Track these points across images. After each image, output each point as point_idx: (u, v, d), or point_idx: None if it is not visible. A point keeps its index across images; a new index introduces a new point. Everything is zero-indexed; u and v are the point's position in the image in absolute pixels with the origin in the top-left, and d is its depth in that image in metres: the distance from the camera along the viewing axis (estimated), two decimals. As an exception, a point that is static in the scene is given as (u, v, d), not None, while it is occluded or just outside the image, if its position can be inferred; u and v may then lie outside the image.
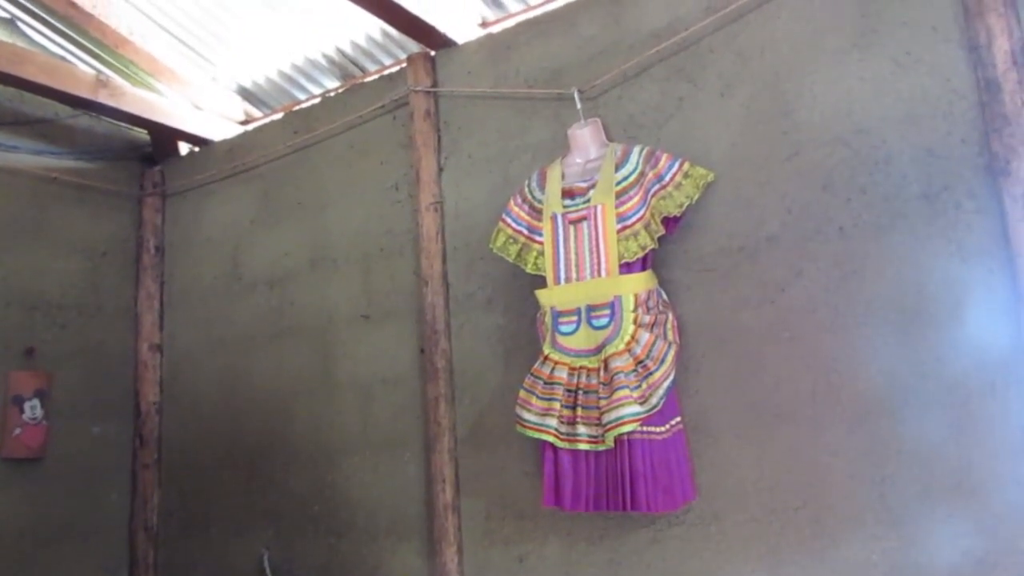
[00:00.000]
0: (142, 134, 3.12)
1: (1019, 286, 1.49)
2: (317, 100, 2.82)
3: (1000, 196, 1.53)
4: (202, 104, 3.00)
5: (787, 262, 1.76)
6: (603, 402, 1.74)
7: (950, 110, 1.62)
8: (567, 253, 1.89)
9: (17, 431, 2.61)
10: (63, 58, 2.88)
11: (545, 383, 1.86)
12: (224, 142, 3.03)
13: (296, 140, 2.72)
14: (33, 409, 2.65)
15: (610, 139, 2.00)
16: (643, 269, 1.83)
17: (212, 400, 2.81)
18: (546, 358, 1.87)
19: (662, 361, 1.76)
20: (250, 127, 3.03)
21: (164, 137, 3.08)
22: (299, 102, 2.95)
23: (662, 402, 1.74)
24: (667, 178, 1.82)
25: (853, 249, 1.68)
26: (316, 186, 2.67)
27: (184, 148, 3.19)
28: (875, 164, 1.69)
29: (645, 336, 1.76)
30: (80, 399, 2.80)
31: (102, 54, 2.85)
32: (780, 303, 1.75)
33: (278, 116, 2.93)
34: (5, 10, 2.80)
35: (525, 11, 2.35)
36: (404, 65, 2.47)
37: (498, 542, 2.09)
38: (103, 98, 2.74)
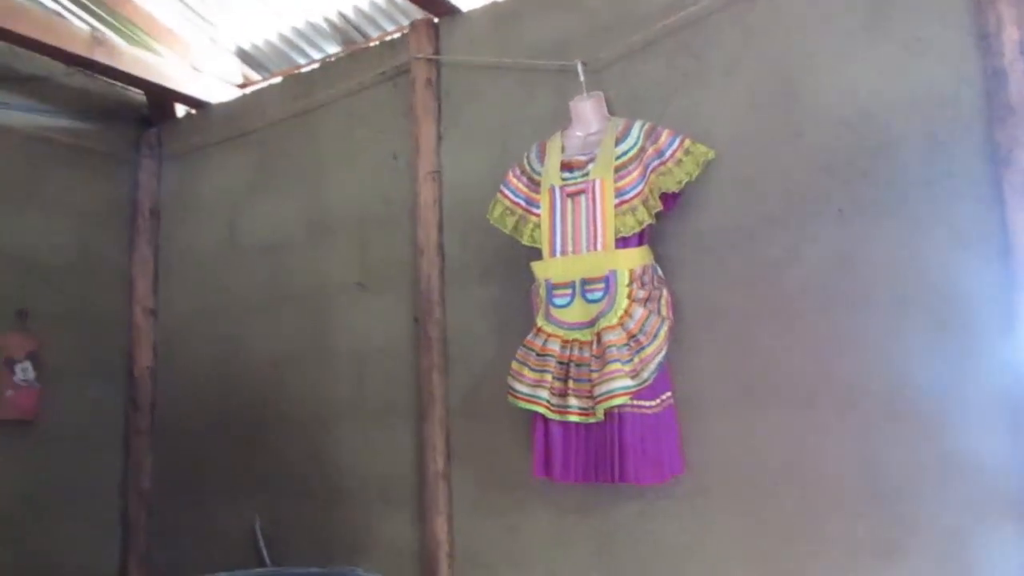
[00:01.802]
0: (138, 95, 3.09)
1: (1015, 275, 1.50)
2: (317, 65, 2.80)
3: (1000, 185, 1.53)
4: (200, 66, 2.98)
5: (785, 243, 1.76)
6: (595, 375, 1.76)
7: (956, 97, 1.62)
8: (564, 226, 1.89)
9: (9, 393, 2.63)
10: (58, 14, 2.83)
11: (538, 355, 1.87)
12: (222, 105, 3.01)
13: (295, 105, 2.70)
14: (25, 372, 2.66)
15: (612, 113, 1.99)
16: (639, 244, 1.83)
17: (206, 366, 2.82)
18: (539, 330, 1.89)
19: (655, 336, 1.77)
20: (248, 91, 3.01)
21: (161, 99, 3.05)
22: (299, 67, 2.93)
23: (653, 377, 1.75)
24: (667, 154, 1.82)
25: (852, 232, 1.69)
26: (314, 153, 2.66)
27: (181, 110, 3.16)
28: (878, 148, 1.68)
29: (639, 311, 1.77)
30: (73, 363, 2.81)
31: (99, 11, 2.81)
32: (776, 283, 1.76)
33: (277, 80, 2.91)
34: (0, -37, 2.74)
35: (531, -20, 2.31)
36: (406, 32, 2.45)
37: (488, 511, 2.12)
38: (99, 56, 2.70)
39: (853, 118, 1.71)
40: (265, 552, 2.50)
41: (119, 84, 2.98)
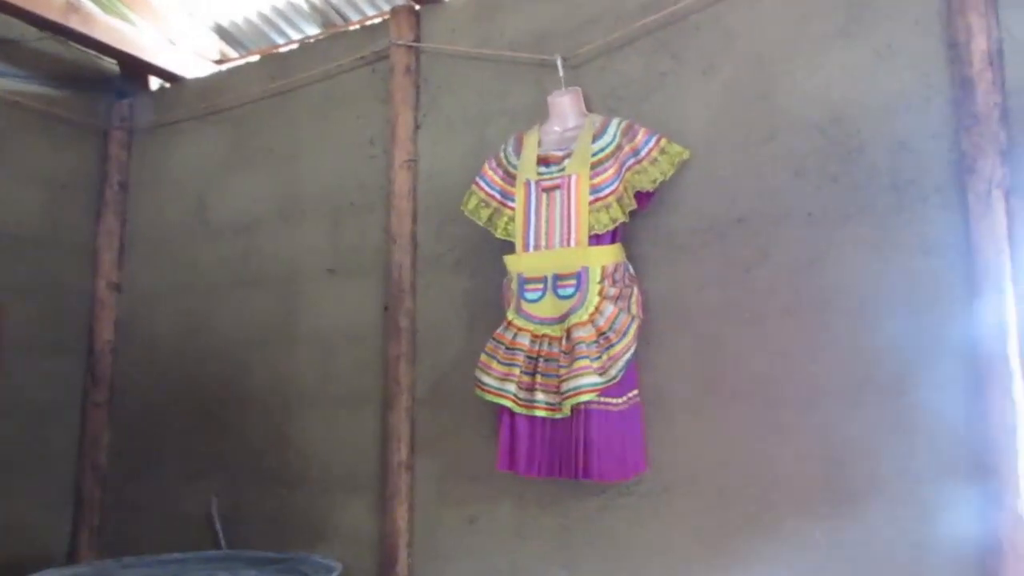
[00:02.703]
0: (112, 65, 2.97)
1: (975, 281, 1.50)
2: (295, 46, 2.72)
3: (964, 193, 1.53)
4: (177, 39, 2.88)
5: (754, 244, 1.75)
6: (563, 371, 1.73)
7: (925, 105, 1.61)
8: (538, 221, 1.86)
9: (-36, 363, 2.49)
10: (31, -23, 2.67)
11: (507, 348, 1.83)
12: (197, 81, 2.91)
13: (271, 85, 2.63)
14: (-18, 342, 2.52)
15: (590, 109, 1.96)
16: (612, 242, 1.81)
17: (169, 344, 2.74)
18: (509, 324, 1.85)
19: (624, 334, 1.74)
20: (225, 67, 2.91)
21: (135, 70, 2.94)
22: (277, 46, 2.85)
23: (621, 374, 1.73)
24: (643, 153, 1.79)
25: (819, 235, 1.68)
26: (289, 134, 2.59)
27: (155, 83, 3.06)
28: (848, 153, 1.67)
29: (609, 308, 1.75)
30: (33, 333, 2.69)
31: (73, -24, 2.66)
32: (744, 284, 1.75)
33: (254, 58, 2.84)
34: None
35: (515, -29, 2.26)
36: (387, 17, 2.38)
37: (450, 502, 2.09)
38: (73, 23, 2.58)
39: (825, 122, 1.70)
40: (221, 534, 2.44)
41: (93, 53, 2.85)
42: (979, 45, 1.54)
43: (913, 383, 1.55)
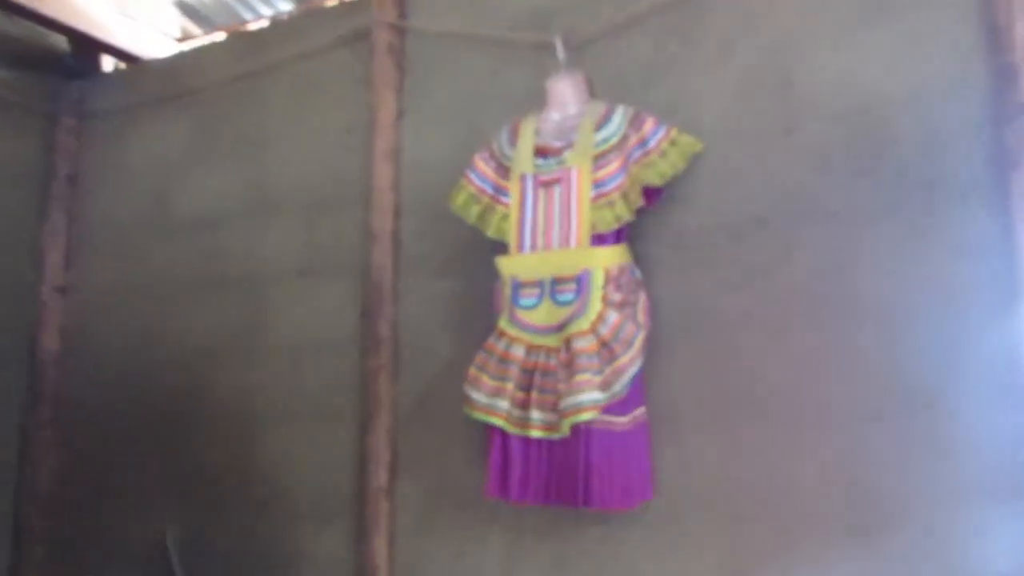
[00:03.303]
0: (61, 42, 2.94)
1: (1016, 288, 1.50)
2: (266, 23, 2.76)
3: (1007, 191, 1.53)
4: (134, 14, 2.88)
5: (774, 246, 1.74)
6: (561, 386, 1.71)
7: (962, 94, 1.61)
8: (534, 218, 1.85)
9: None
10: (-30, -56, 2.66)
11: (499, 361, 1.82)
12: (157, 61, 2.92)
13: (240, 67, 2.62)
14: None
15: (593, 96, 1.95)
16: (616, 242, 1.80)
17: (122, 354, 2.73)
18: (502, 333, 1.84)
19: (630, 345, 1.73)
20: (188, 47, 2.95)
21: (87, 49, 2.93)
22: (246, 23, 2.88)
23: (626, 390, 1.71)
24: (651, 144, 1.78)
25: (845, 236, 1.67)
26: (259, 121, 2.58)
27: (109, 64, 3.05)
28: (877, 146, 1.67)
29: (613, 316, 1.73)
30: (-35, 344, 2.67)
31: (18, -56, 2.65)
32: (762, 290, 1.74)
33: (221, 37, 2.85)
34: None
35: (510, -57, 2.26)
36: (369, -9, 2.39)
37: (435, 533, 2.07)
38: (18, -6, 2.57)
39: (851, 113, 1.70)
40: (177, 568, 2.42)
41: (39, 28, 2.82)
42: (1021, 30, 1.54)
43: (947, 399, 1.55)
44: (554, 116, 1.94)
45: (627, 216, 1.76)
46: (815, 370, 1.66)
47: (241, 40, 2.69)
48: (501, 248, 1.91)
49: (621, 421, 1.73)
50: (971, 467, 1.52)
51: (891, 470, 1.58)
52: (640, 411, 1.77)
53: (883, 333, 1.62)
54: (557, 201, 1.82)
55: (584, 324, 1.73)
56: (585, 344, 1.71)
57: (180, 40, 2.97)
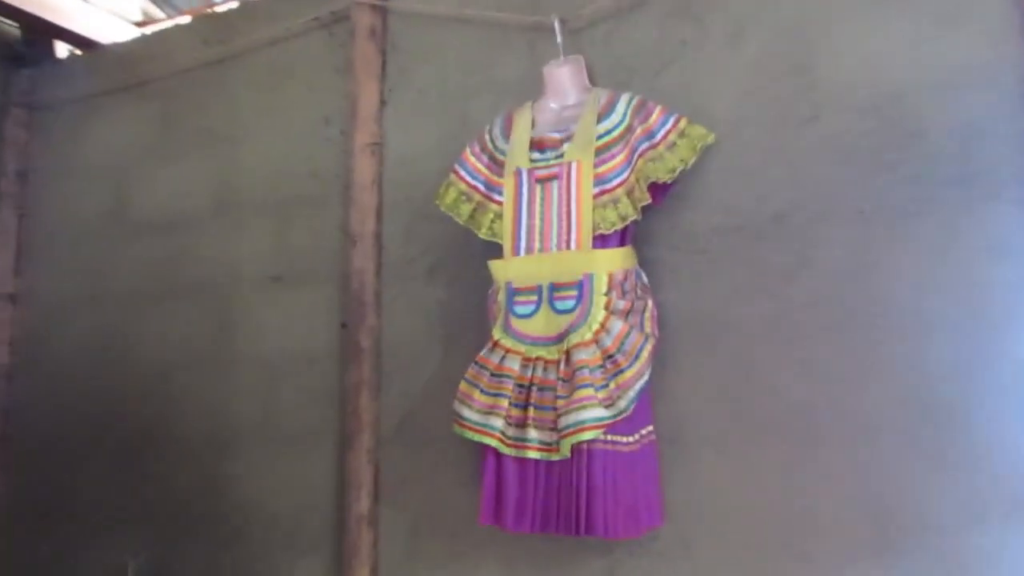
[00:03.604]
0: (12, 28, 2.94)
1: (1060, 295, 1.50)
2: (236, 5, 2.74)
3: (1050, 187, 1.54)
4: None
5: (793, 248, 1.74)
6: (561, 402, 1.70)
7: (996, 82, 1.61)
8: (531, 218, 1.84)
9: None
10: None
11: (492, 375, 1.81)
12: (115, 47, 2.93)
13: (206, 53, 2.63)
14: None
15: (594, 83, 1.95)
16: (621, 244, 1.79)
17: (79, 368, 2.73)
18: (496, 344, 1.83)
19: (636, 357, 1.72)
20: (150, 31, 2.96)
21: (38, 33, 2.93)
22: (213, 5, 2.89)
23: (632, 406, 1.70)
24: (659, 136, 1.78)
25: (871, 236, 1.67)
26: (228, 112, 2.59)
27: (63, 50, 3.05)
28: (906, 137, 1.67)
29: (618, 325, 1.73)
30: (-93, 357, 2.67)
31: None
32: (781, 296, 1.74)
33: (185, 20, 2.87)
34: None
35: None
36: (347, -31, 2.39)
37: (422, 564, 2.07)
38: (-38, -26, 2.57)
39: (877, 101, 1.70)
40: None
41: (-14, 11, 2.84)
42: (1061, 12, 1.55)
43: (980, 414, 1.55)
44: (552, 105, 1.93)
45: (632, 215, 1.75)
46: (837, 383, 1.66)
47: (208, 23, 2.70)
48: (494, 251, 1.90)
49: (627, 441, 1.72)
50: (1002, 484, 1.52)
51: (917, 488, 1.58)
52: (648, 430, 1.77)
53: (910, 341, 1.62)
54: (555, 199, 1.81)
55: (586, 334, 1.72)
56: (587, 356, 1.70)
57: (141, 24, 2.98)
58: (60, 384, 2.74)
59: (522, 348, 1.80)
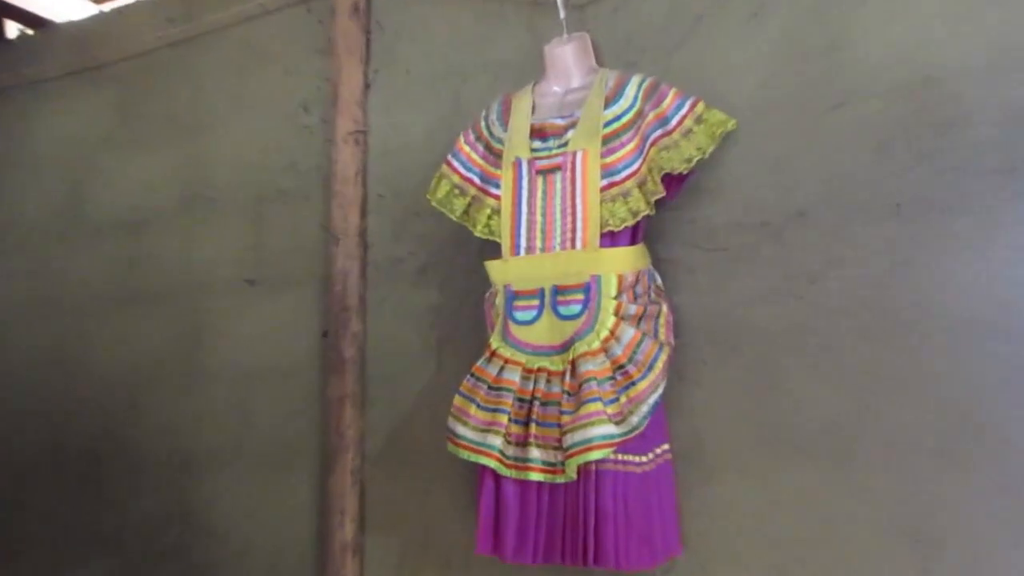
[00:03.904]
0: None
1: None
2: None
3: (1103, 177, 1.54)
4: None
5: (822, 246, 1.74)
6: (566, 418, 1.70)
7: None
8: (532, 214, 1.84)
9: None
10: None
11: (490, 388, 1.81)
12: (70, 26, 2.93)
13: (171, 32, 2.65)
14: None
15: (600, 64, 1.94)
16: (632, 243, 1.79)
17: (32, 383, 2.74)
18: (493, 354, 1.82)
19: (649, 367, 1.71)
20: (108, 7, 2.94)
21: None
22: None
23: (646, 422, 1.69)
24: (673, 122, 1.77)
25: (909, 234, 1.67)
26: (195, 98, 2.61)
27: (13, 30, 3.08)
28: (945, 125, 1.66)
29: (629, 332, 1.72)
30: None
31: None
32: (809, 299, 1.73)
33: None
34: None
35: None
36: (327, -61, 2.41)
37: None
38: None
39: (914, 84, 1.69)
40: None
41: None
42: (1118, -17, 1.56)
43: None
44: (554, 88, 1.93)
45: (645, 210, 1.74)
46: (870, 395, 1.66)
47: (172, 0, 2.70)
48: (491, 250, 1.90)
49: (640, 460, 1.72)
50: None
51: (959, 511, 1.57)
52: (663, 448, 1.76)
53: (950, 349, 1.61)
54: (559, 192, 1.81)
55: (593, 342, 1.72)
56: (595, 367, 1.70)
57: (98, 1, 2.98)
58: (11, 400, 2.74)
59: (522, 358, 1.79)
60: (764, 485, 1.73)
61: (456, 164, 1.96)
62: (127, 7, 2.83)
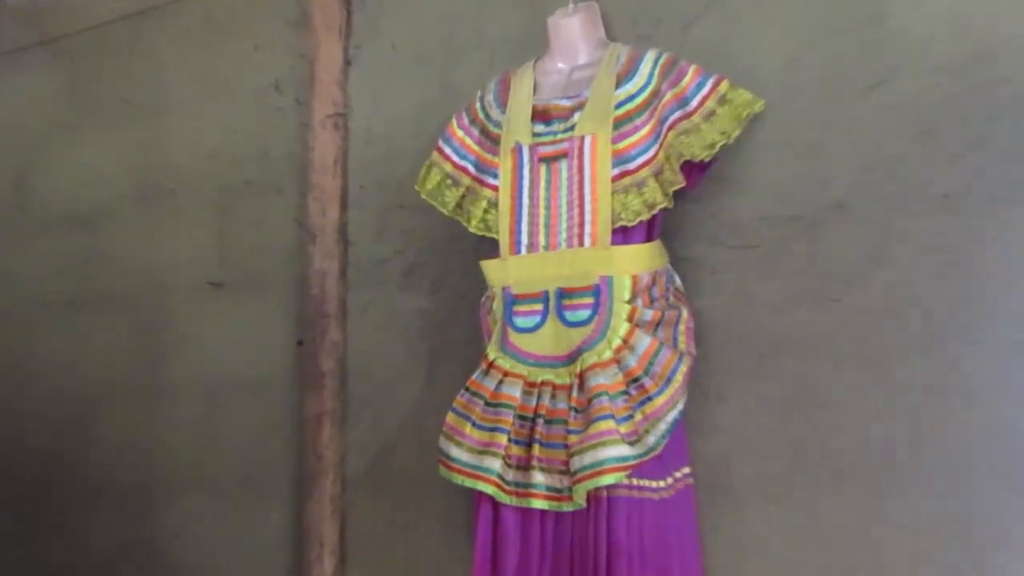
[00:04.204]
0: None
1: None
2: None
3: None
4: None
5: (863, 242, 1.72)
6: (574, 438, 1.68)
7: None
8: (534, 207, 1.82)
9: None
10: None
11: (487, 404, 1.79)
12: None
13: (126, 4, 2.64)
14: None
15: (611, 38, 1.93)
16: (647, 239, 1.77)
17: None
18: (491, 365, 1.81)
19: (667, 381, 1.69)
20: None
21: None
22: None
23: (663, 443, 1.67)
24: (694, 103, 1.75)
25: (958, 227, 1.65)
26: (153, 77, 2.61)
27: None
28: (998, 105, 1.64)
29: (644, 341, 1.70)
30: None
31: None
32: (849, 302, 1.72)
33: None
34: None
35: None
36: (301, -102, 2.43)
37: None
38: None
39: (963, 60, 1.67)
40: None
41: None
42: None
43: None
44: (559, 65, 1.92)
45: (662, 203, 1.72)
46: (919, 410, 1.65)
47: (128, -33, 2.74)
48: (488, 248, 1.89)
49: (658, 486, 1.70)
50: None
51: (1018, 541, 1.56)
52: (683, 472, 1.75)
53: (1009, 357, 1.59)
54: (564, 182, 1.79)
55: (604, 352, 1.70)
56: (606, 380, 1.68)
57: (45, -32, 3.00)
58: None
59: (524, 370, 1.78)
60: (799, 514, 1.72)
61: (448, 151, 1.95)
62: (78, -24, 2.87)
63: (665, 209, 1.74)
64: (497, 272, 1.84)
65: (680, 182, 1.72)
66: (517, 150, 1.84)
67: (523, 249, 1.81)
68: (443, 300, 2.09)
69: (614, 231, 1.74)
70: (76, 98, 2.71)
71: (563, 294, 1.76)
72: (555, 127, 1.82)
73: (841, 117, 1.76)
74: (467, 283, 1.98)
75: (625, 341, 1.70)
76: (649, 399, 1.67)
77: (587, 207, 1.76)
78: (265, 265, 2.35)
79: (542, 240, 1.80)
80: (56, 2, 2.78)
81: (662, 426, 1.66)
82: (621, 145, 1.75)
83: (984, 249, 1.63)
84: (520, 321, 1.80)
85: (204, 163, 2.48)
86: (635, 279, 1.73)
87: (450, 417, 1.81)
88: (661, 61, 1.78)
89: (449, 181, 1.94)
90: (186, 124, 2.52)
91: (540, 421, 1.74)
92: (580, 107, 1.81)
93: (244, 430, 2.33)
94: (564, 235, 1.78)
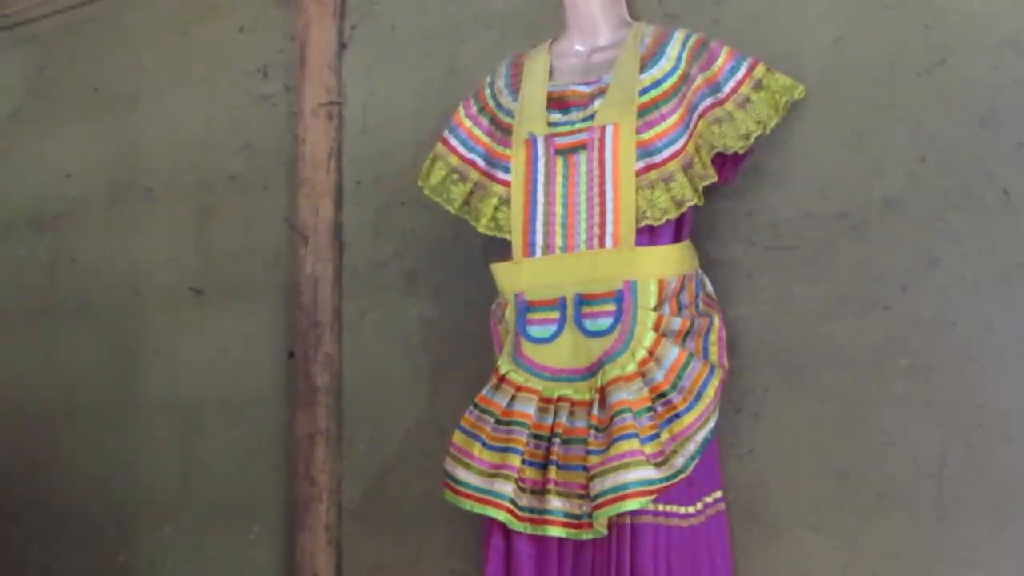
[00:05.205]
0: None
1: None
2: None
3: None
4: None
5: (915, 242, 1.73)
6: (594, 459, 1.69)
7: None
8: (550, 204, 1.84)
9: None
10: None
11: (498, 422, 1.80)
12: None
13: None
14: None
15: (635, 16, 1.94)
16: (676, 240, 1.79)
17: None
18: (502, 380, 1.82)
19: (697, 396, 1.70)
20: None
21: None
22: None
23: (693, 465, 1.68)
24: (727, 89, 1.77)
25: (1020, 227, 1.65)
26: (126, 63, 2.63)
27: None
28: None
29: (672, 352, 1.71)
30: None
31: None
32: (898, 309, 1.73)
33: None
34: None
35: None
36: None
37: None
38: None
39: None
40: None
41: None
42: None
43: None
44: (577, 47, 1.93)
45: (691, 199, 1.73)
46: (980, 432, 1.64)
47: (99, -59, 2.74)
48: (499, 250, 1.90)
49: (686, 512, 1.71)
50: None
51: None
52: (714, 497, 1.76)
53: None
54: (584, 177, 1.81)
55: (628, 365, 1.71)
56: (630, 395, 1.69)
57: (8, -57, 3.02)
58: None
59: (539, 385, 1.79)
60: (843, 543, 1.72)
61: (454, 142, 1.96)
62: (44, -48, 2.88)
63: (695, 206, 1.74)
64: (509, 276, 1.85)
65: (712, 176, 1.73)
66: (531, 141, 1.85)
67: (538, 251, 1.82)
68: (448, 307, 2.10)
69: (639, 231, 1.74)
70: (42, 87, 2.72)
71: (582, 301, 1.77)
72: (573, 115, 1.83)
73: (892, 103, 1.76)
74: (475, 289, 1.99)
75: (651, 352, 1.71)
76: (677, 416, 1.67)
77: (608, 204, 1.77)
78: (251, 269, 2.36)
79: (559, 241, 1.81)
80: (20, -19, 2.81)
81: (691, 446, 1.66)
82: (646, 135, 1.75)
83: (1050, 251, 1.64)
84: (534, 331, 1.80)
85: (183, 157, 2.49)
86: (662, 284, 1.73)
87: (457, 437, 1.81)
88: (690, 42, 1.79)
89: (455, 176, 1.94)
90: (163, 114, 2.53)
91: (557, 441, 1.74)
92: (601, 93, 1.81)
93: (228, 452, 2.33)
94: (583, 235, 1.79)
